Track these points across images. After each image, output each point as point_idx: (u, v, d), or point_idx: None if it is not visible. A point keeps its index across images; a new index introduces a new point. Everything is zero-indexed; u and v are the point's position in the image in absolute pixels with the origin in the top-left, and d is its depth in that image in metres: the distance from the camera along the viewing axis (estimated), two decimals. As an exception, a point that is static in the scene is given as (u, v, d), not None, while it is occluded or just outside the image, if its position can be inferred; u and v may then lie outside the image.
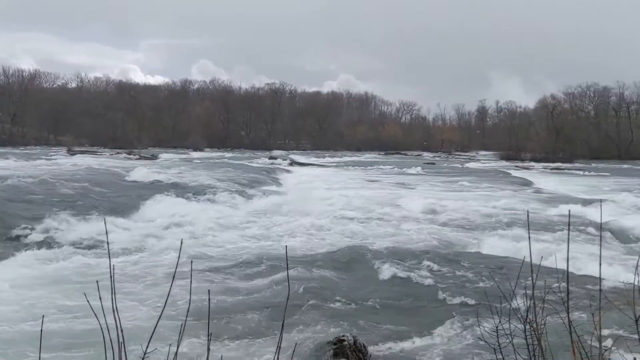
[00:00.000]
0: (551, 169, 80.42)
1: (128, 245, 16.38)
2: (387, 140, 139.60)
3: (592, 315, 3.60)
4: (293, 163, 68.49)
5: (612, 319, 3.52)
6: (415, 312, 11.40)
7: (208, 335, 7.56)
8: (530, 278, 3.57)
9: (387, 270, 14.14)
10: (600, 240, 8.99)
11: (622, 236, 19.40)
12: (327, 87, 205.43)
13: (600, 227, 16.17)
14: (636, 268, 3.33)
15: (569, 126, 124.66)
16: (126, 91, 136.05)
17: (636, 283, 3.70)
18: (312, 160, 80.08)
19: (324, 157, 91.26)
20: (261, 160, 70.76)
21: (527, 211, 6.46)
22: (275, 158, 77.04)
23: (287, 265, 11.39)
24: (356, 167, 66.64)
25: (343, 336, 8.79)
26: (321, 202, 27.31)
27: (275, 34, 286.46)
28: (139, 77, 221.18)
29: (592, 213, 24.41)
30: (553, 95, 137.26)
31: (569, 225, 11.23)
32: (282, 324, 5.13)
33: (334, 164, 71.91)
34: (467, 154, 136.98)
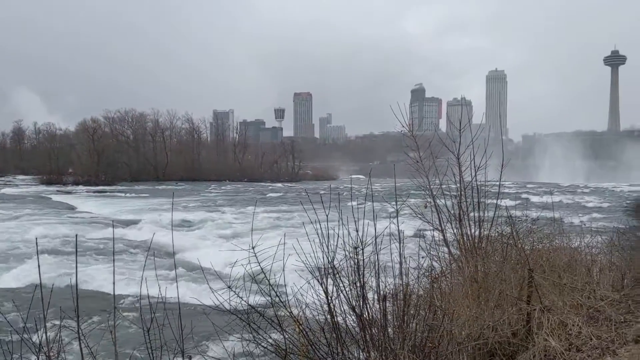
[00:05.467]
0: (94, 192, 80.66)
1: None
2: None
3: (110, 330, 3.66)
4: None
5: (127, 331, 3.68)
6: None
7: None
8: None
9: None
10: (114, 259, 9.43)
11: (160, 252, 20.95)
12: None
13: (113, 247, 17.00)
14: (113, 283, 3.60)
15: (110, 149, 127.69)
16: None
17: (146, 292, 3.98)
18: None
19: None
20: None
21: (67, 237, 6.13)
22: None
23: None
24: None
25: None
26: None
27: None
28: None
29: (133, 233, 25.60)
30: (94, 119, 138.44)
31: (108, 247, 11.33)
32: None
33: None
34: (2, 178, 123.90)
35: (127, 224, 31.47)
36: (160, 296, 3.89)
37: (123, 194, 72.62)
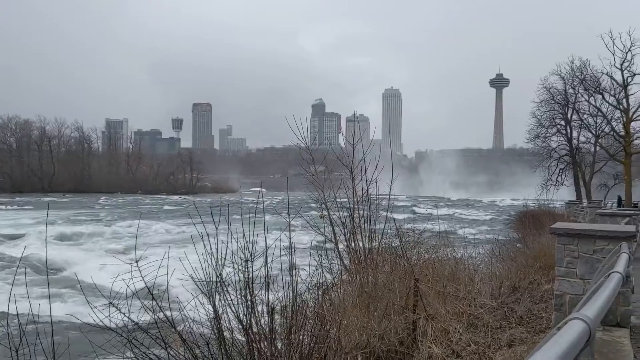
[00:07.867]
0: (-30, 204, 74.10)
1: None
2: None
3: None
4: None
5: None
6: None
7: None
8: None
9: None
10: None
11: (39, 267, 19.58)
12: None
13: None
14: (12, 299, 3.34)
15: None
16: None
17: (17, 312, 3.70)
18: None
19: None
20: None
21: None
22: None
23: None
24: None
25: None
26: None
27: None
28: None
29: (10, 248, 23.70)
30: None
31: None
32: None
33: None
34: None
35: (5, 238, 29.16)
36: (31, 314, 3.62)
37: (3, 207, 67.27)
